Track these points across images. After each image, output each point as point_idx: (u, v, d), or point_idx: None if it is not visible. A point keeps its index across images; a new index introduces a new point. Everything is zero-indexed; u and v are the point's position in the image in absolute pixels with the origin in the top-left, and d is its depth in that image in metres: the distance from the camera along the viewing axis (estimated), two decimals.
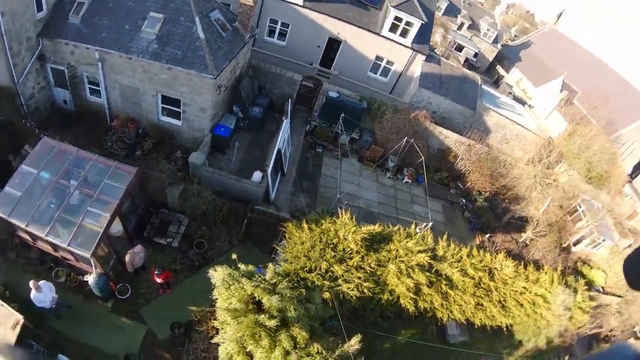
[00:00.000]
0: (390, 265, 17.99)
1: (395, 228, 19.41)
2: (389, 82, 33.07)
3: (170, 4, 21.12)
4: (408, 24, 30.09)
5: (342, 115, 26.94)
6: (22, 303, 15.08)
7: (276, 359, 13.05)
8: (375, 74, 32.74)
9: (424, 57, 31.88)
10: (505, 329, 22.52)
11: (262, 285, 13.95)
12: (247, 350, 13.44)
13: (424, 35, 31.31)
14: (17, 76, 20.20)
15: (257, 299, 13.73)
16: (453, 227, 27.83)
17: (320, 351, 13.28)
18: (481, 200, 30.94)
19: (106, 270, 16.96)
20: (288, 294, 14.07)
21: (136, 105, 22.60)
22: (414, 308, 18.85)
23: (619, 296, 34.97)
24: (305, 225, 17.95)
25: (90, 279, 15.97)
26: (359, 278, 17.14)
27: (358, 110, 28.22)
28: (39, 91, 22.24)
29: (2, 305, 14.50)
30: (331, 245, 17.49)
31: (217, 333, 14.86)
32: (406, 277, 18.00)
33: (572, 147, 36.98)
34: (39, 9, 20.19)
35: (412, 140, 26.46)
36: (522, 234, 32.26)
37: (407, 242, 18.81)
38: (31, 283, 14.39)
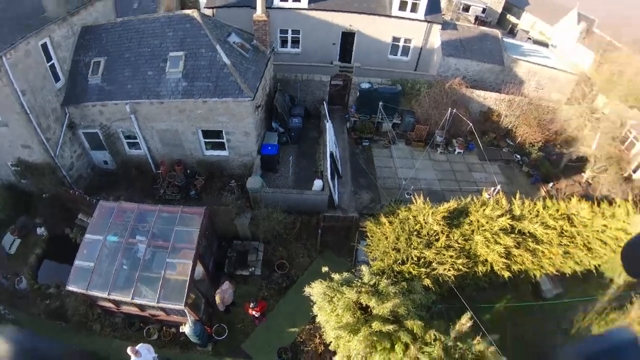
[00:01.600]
0: (475, 236, 17.13)
1: (468, 199, 18.50)
2: (410, 59, 31.73)
3: (187, 39, 20.65)
4: None
5: (380, 103, 25.49)
6: None
7: (397, 356, 12.57)
8: (396, 55, 31.43)
9: (439, 27, 30.43)
10: (595, 270, 21.35)
11: (364, 289, 13.41)
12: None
13: (434, 5, 30.01)
14: (52, 150, 20.16)
15: (363, 304, 13.26)
16: (515, 185, 26.71)
17: (437, 337, 12.66)
18: (535, 151, 29.57)
19: (199, 316, 16.52)
20: (392, 291, 13.48)
21: (178, 147, 22.00)
22: (508, 273, 17.98)
23: None
24: (384, 220, 17.17)
25: (187, 328, 15.46)
26: (451, 257, 16.32)
27: (394, 95, 27.23)
28: (77, 159, 22.15)
29: None
30: (415, 233, 16.67)
31: (326, 348, 14.58)
32: (494, 244, 17.16)
33: (607, 76, 34.82)
34: (56, 78, 20.14)
35: (454, 110, 24.92)
36: (583, 174, 30.74)
37: (484, 210, 17.92)
38: (129, 350, 13.68)
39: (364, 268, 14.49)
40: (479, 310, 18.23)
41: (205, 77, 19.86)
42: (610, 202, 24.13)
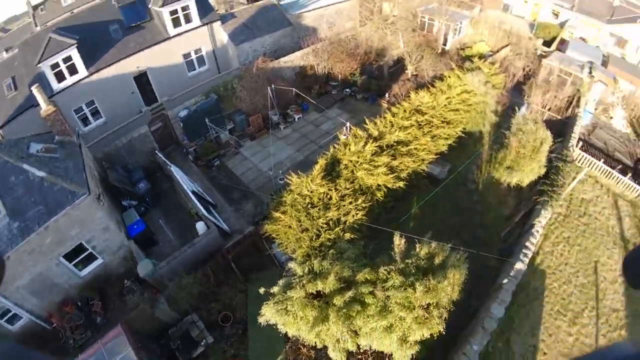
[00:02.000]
0: (358, 173, 18.40)
1: (332, 150, 19.66)
2: (210, 66, 31.46)
3: None
4: (184, 9, 28.36)
5: (206, 119, 25.12)
6: None
7: (372, 308, 13.31)
8: (195, 69, 30.92)
9: (219, 23, 30.61)
10: (463, 134, 25.52)
11: (305, 281, 13.62)
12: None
13: (205, 7, 29.97)
14: None
15: (314, 292, 13.55)
16: (360, 113, 28.26)
17: (388, 269, 13.78)
18: (358, 78, 31.51)
19: None
20: (326, 265, 13.91)
21: (54, 288, 19.45)
22: (401, 182, 19.74)
23: (506, 46, 37.23)
24: (277, 214, 17.57)
25: None
26: (350, 203, 17.32)
27: (213, 105, 26.98)
28: None
29: None
30: (309, 205, 17.35)
31: (315, 349, 14.89)
32: (375, 168, 18.66)
33: None
34: None
35: (272, 86, 25.40)
36: (407, 71, 33.04)
37: (349, 149, 19.24)
38: None
39: (291, 265, 14.62)
40: (403, 224, 20.33)
41: (31, 203, 17.61)
42: (441, 78, 27.08)
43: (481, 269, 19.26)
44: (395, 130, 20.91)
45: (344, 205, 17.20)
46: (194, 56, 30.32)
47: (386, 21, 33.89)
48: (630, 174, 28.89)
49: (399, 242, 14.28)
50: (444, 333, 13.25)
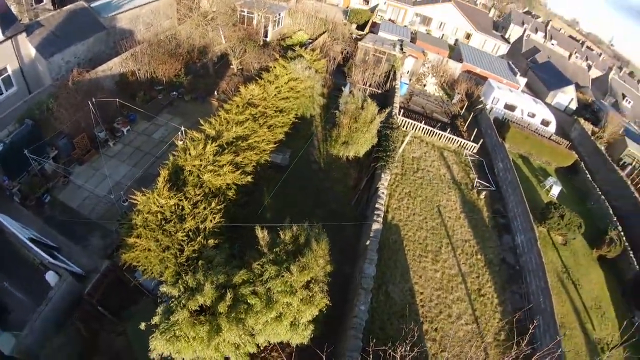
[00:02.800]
0: (204, 176, 17.88)
1: (172, 158, 18.72)
2: (19, 87, 26.33)
3: None
4: None
5: (25, 151, 21.38)
6: None
7: (257, 305, 13.46)
8: (2, 93, 25.57)
9: (24, 34, 25.81)
10: (298, 118, 27.04)
11: (183, 301, 13.04)
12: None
13: (7, 17, 24.86)
14: None
15: (196, 309, 13.15)
16: (193, 114, 27.17)
17: (261, 262, 14.31)
18: (183, 78, 30.82)
19: None
20: (200, 277, 13.59)
21: None
22: (248, 177, 19.74)
23: (323, 33, 38.65)
24: (130, 239, 16.00)
25: None
26: (204, 209, 16.85)
27: (30, 133, 22.78)
28: None
29: None
30: (162, 221, 16.28)
31: None
32: (221, 168, 18.38)
33: None
34: None
35: (92, 100, 22.95)
36: (232, 66, 32.55)
37: (189, 154, 18.53)
38: None
39: (163, 288, 13.77)
40: (261, 217, 20.99)
41: None
42: (267, 69, 27.05)
43: (344, 239, 21.21)
44: (232, 126, 20.70)
45: (199, 213, 16.63)
46: None
47: (206, 18, 32.66)
48: (449, 129, 32.33)
49: (262, 234, 14.71)
50: (331, 305, 14.08)
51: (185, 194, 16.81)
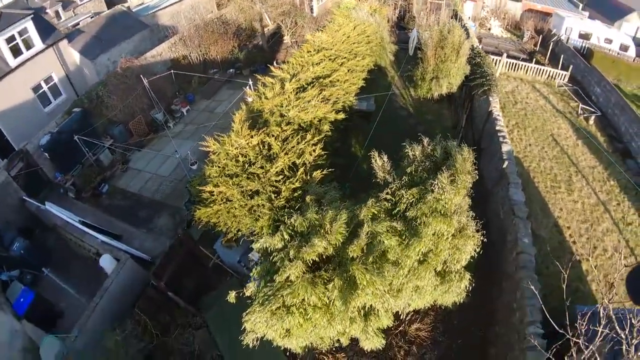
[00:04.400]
0: (290, 113, 12.96)
1: (244, 106, 13.59)
2: (68, 95, 23.19)
3: None
4: (21, 33, 20.44)
5: (76, 137, 17.64)
6: None
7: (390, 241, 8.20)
8: (52, 103, 22.67)
9: (66, 41, 23.07)
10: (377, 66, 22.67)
11: (292, 254, 7.87)
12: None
13: (45, 27, 22.20)
14: None
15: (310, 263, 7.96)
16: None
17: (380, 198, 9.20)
18: (237, 54, 26.86)
19: None
20: (312, 215, 8.49)
21: None
22: (342, 114, 14.86)
23: None
24: (207, 189, 11.01)
25: None
26: (298, 143, 11.93)
27: (80, 121, 19.03)
28: None
29: None
30: (245, 165, 11.33)
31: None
32: (306, 103, 13.49)
33: None
34: None
35: (146, 82, 18.96)
36: (285, 40, 28.47)
37: (266, 97, 13.97)
38: None
39: (256, 245, 8.95)
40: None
41: None
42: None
43: None
44: (309, 67, 15.92)
45: (292, 147, 11.58)
46: (45, 87, 22.25)
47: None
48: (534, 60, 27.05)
49: (380, 161, 10.14)
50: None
51: (269, 132, 11.94)
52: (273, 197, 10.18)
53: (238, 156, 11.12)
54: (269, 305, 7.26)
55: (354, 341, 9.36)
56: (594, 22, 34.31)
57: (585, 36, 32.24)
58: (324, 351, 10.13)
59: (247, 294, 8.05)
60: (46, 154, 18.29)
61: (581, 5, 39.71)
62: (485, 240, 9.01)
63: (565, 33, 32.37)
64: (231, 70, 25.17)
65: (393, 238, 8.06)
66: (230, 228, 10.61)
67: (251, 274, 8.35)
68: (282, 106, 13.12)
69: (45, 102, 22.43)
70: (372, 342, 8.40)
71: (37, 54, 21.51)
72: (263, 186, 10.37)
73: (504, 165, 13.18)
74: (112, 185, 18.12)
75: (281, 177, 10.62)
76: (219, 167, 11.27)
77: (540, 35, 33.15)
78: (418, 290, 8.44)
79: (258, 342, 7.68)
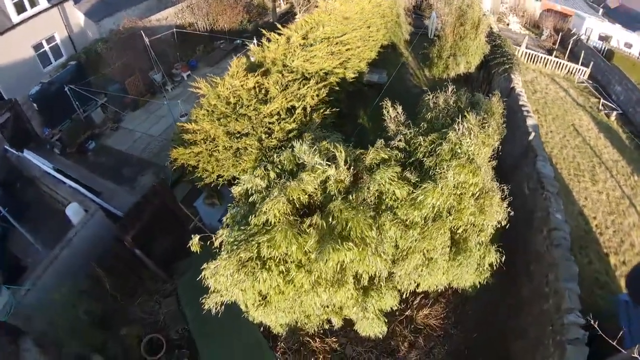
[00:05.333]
0: (294, 63, 10.89)
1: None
2: (69, 56, 21.29)
3: None
4: None
5: (67, 88, 15.89)
6: None
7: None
8: (52, 64, 20.94)
9: (70, 1, 21.33)
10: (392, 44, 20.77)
11: (275, 193, 5.94)
12: None
13: None
14: None
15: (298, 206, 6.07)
16: None
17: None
18: (245, 25, 25.07)
19: None
20: (305, 148, 6.66)
21: None
22: (351, 73, 13.51)
23: None
24: (189, 128, 9.32)
25: None
26: (299, 89, 9.99)
27: (74, 74, 17.31)
28: None
29: None
30: (236, 105, 9.47)
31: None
32: (312, 57, 11.50)
33: None
34: None
35: (148, 41, 17.23)
36: (297, 18, 26.71)
37: (269, 49, 11.85)
38: None
39: (236, 188, 7.01)
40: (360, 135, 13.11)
41: None
42: None
43: None
44: (319, 27, 13.83)
45: (292, 92, 9.70)
46: (46, 47, 20.60)
47: None
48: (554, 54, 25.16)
49: (394, 112, 8.15)
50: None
51: (268, 79, 9.97)
52: (264, 137, 8.27)
53: (229, 97, 9.24)
54: (238, 253, 5.32)
55: (348, 324, 7.49)
56: (615, 26, 32.72)
57: (605, 38, 30.80)
58: (310, 333, 8.27)
59: (216, 244, 6.15)
60: (35, 105, 16.56)
61: (601, 11, 37.96)
62: (511, 213, 7.18)
63: (586, 33, 30.87)
64: (238, 41, 23.43)
65: (405, 187, 6.17)
66: (210, 173, 8.66)
67: (224, 219, 6.44)
68: (285, 57, 11.27)
69: (46, 62, 20.69)
70: (371, 326, 6.59)
71: (41, 12, 19.85)
72: (254, 127, 8.49)
73: (530, 137, 11.28)
74: (100, 143, 16.33)
75: (275, 117, 8.71)
76: (207, 110, 9.41)
77: (560, 34, 31.40)
78: (429, 265, 6.53)
79: (222, 307, 5.80)
